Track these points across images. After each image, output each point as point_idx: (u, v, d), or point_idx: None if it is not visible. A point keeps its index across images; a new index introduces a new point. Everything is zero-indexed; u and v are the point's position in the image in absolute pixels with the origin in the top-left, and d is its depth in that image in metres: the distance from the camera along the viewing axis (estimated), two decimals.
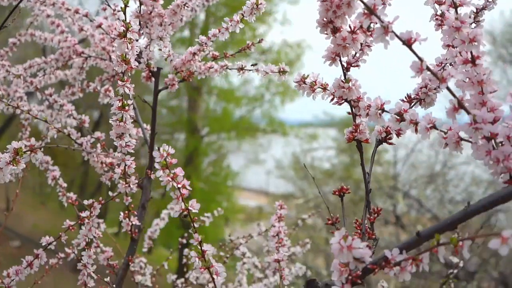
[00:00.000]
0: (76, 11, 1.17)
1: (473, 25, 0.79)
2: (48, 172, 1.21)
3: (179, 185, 0.69)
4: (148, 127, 1.22)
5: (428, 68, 0.56)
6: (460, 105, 0.57)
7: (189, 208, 0.70)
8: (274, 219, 1.07)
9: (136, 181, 1.00)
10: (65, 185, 1.19)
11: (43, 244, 0.99)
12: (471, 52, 0.59)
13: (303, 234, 8.05)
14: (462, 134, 0.61)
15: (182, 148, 12.32)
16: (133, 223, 1.06)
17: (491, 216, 6.50)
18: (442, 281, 1.15)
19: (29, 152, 0.73)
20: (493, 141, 0.59)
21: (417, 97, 0.76)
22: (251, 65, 1.06)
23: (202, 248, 0.72)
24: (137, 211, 1.11)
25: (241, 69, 1.06)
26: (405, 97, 0.76)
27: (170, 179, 0.68)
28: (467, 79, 0.60)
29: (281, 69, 0.93)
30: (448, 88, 0.57)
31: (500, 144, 0.58)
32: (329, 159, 11.35)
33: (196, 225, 0.73)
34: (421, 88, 0.75)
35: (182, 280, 1.45)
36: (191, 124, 11.82)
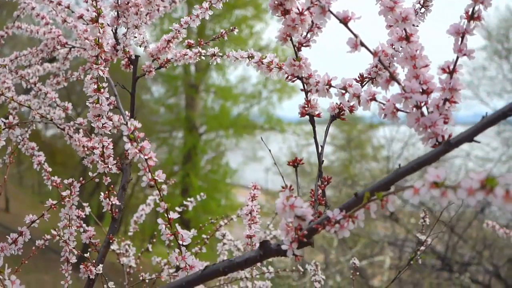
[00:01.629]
0: (59, 3, 1.23)
1: (423, 9, 0.85)
2: (33, 157, 1.26)
3: (146, 157, 0.75)
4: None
5: (362, 44, 0.62)
6: (392, 77, 0.63)
7: (156, 178, 0.76)
8: (248, 199, 1.13)
9: (114, 162, 1.05)
10: (50, 169, 1.24)
11: (26, 222, 1.05)
12: (404, 30, 0.65)
13: None
14: (399, 105, 0.67)
15: (180, 146, 12.39)
16: (114, 203, 1.12)
17: (484, 208, 6.58)
18: (410, 257, 1.21)
19: (7, 129, 0.79)
20: (425, 110, 0.65)
21: (369, 76, 0.81)
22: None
23: (169, 216, 0.78)
24: (118, 192, 1.17)
25: (213, 55, 1.12)
26: (358, 76, 0.82)
27: (138, 151, 0.74)
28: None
29: (250, 55, 0.98)
30: (380, 61, 0.63)
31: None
32: (326, 155, 11.43)
33: (163, 193, 0.79)
34: (372, 67, 0.81)
35: (165, 261, 1.51)
36: (189, 122, 11.88)
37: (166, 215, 0.77)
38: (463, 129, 0.60)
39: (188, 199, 1.57)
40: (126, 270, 1.47)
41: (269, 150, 1.20)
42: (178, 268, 0.80)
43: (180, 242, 0.77)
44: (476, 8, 0.63)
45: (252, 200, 1.13)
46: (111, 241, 1.14)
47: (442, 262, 6.38)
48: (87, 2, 1.17)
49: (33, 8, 1.34)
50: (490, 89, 9.73)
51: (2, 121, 0.78)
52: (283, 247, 0.66)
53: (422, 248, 1.23)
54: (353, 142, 11.07)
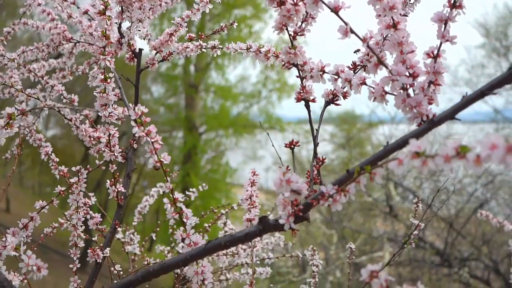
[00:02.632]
0: None
1: (412, 0, 0.90)
2: (41, 148, 1.31)
3: (153, 140, 0.80)
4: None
5: (352, 31, 0.67)
6: (380, 62, 0.68)
7: (162, 159, 0.81)
8: (247, 184, 1.18)
9: (120, 150, 1.10)
10: (57, 159, 1.29)
11: (36, 208, 1.10)
12: (392, 18, 0.70)
13: (301, 229, 8.20)
14: (387, 89, 0.72)
15: (181, 145, 12.44)
16: (119, 190, 1.17)
17: (483, 204, 6.63)
18: (403, 241, 1.25)
19: (20, 116, 0.83)
20: (412, 92, 0.70)
21: (361, 63, 0.86)
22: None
23: (174, 196, 0.83)
24: (123, 180, 1.21)
25: (213, 47, 1.17)
26: (351, 64, 0.87)
27: (145, 135, 0.79)
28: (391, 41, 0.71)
29: (248, 46, 1.03)
30: (368, 47, 0.68)
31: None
32: (326, 154, 11.49)
33: (168, 178, 0.84)
34: (364, 55, 0.86)
35: (169, 248, 1.56)
36: (189, 121, 11.92)
37: (171, 195, 0.82)
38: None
39: (191, 189, 1.61)
40: (131, 257, 1.52)
41: (269, 139, 1.24)
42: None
43: (184, 220, 0.82)
44: None
45: (251, 186, 1.17)
46: (117, 226, 1.19)
47: (441, 257, 6.43)
48: None
49: (39, 4, 1.39)
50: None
51: (16, 108, 0.82)
52: (281, 221, 0.71)
53: (415, 232, 1.28)
54: (352, 141, 11.14)
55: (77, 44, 1.42)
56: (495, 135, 0.43)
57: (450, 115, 0.63)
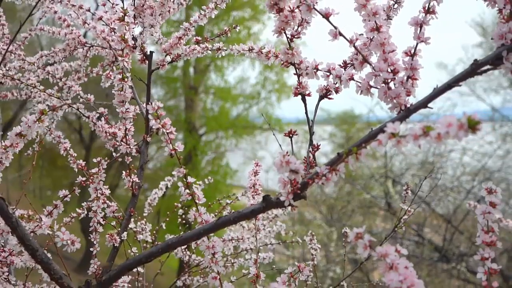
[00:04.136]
0: (80, 7, 1.39)
1: (396, 5, 1.02)
2: (60, 144, 1.43)
3: (168, 131, 0.91)
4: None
5: (340, 34, 0.78)
6: (364, 60, 0.79)
7: (176, 148, 0.92)
8: (251, 174, 1.29)
9: (135, 143, 1.22)
10: (75, 154, 1.41)
11: (60, 196, 1.21)
12: (375, 22, 0.82)
13: (302, 230, 8.31)
14: (372, 83, 0.83)
15: None
16: (134, 180, 1.28)
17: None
18: (394, 224, 1.36)
19: (51, 111, 0.95)
20: (393, 85, 0.81)
21: (351, 62, 0.98)
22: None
23: (187, 180, 0.94)
24: (137, 172, 1.33)
25: (218, 49, 1.29)
26: (342, 62, 0.98)
27: (161, 126, 0.91)
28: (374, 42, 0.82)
29: (250, 48, 1.15)
30: (355, 47, 0.79)
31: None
32: (326, 154, 11.60)
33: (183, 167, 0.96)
34: (353, 55, 0.97)
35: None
36: (189, 123, 12.02)
37: (184, 180, 0.94)
38: None
39: (197, 182, 1.72)
40: (143, 245, 1.63)
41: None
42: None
43: (197, 201, 0.94)
44: (431, 3, 0.79)
45: (254, 175, 1.29)
46: (132, 214, 1.30)
47: (439, 253, 6.54)
48: (105, 5, 1.34)
49: (55, 12, 1.50)
50: (486, 85, 9.87)
51: (47, 105, 0.94)
52: (282, 198, 0.83)
53: (405, 217, 1.39)
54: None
55: (91, 48, 1.54)
56: (450, 115, 0.55)
57: (423, 104, 0.74)
